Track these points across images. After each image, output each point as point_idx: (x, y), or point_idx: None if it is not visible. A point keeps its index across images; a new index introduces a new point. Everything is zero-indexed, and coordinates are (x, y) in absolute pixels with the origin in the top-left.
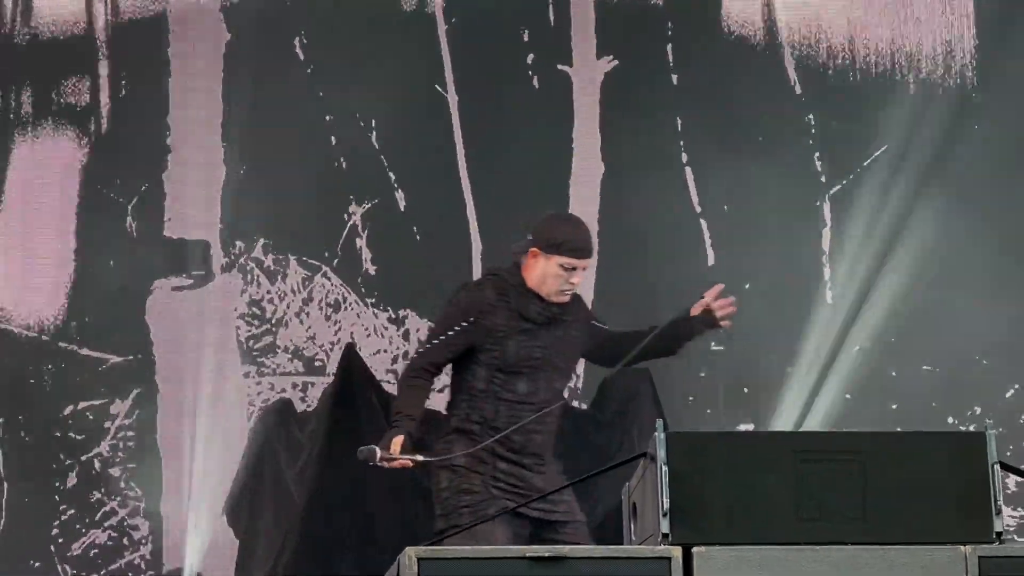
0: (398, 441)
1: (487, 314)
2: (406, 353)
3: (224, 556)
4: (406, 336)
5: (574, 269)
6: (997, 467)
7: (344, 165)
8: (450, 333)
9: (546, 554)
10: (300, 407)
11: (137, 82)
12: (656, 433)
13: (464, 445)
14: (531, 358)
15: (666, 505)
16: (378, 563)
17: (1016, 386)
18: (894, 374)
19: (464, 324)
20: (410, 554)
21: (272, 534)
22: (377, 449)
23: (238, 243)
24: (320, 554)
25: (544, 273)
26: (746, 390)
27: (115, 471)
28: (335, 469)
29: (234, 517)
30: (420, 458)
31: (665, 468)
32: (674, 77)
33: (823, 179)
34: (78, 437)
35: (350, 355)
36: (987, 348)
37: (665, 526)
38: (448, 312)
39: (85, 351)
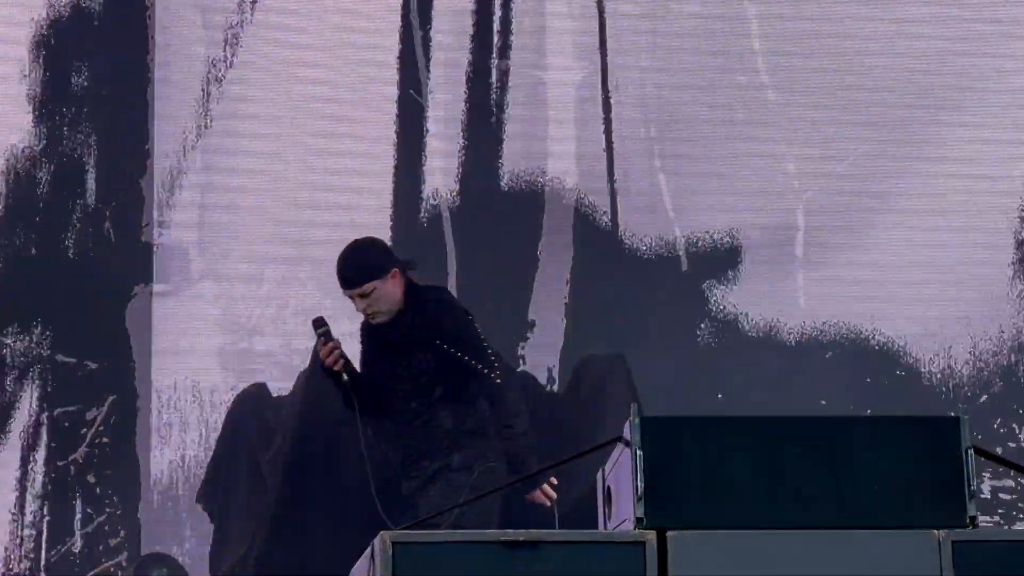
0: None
1: None
2: None
3: (199, 541)
4: None
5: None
6: (971, 451)
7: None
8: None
9: (521, 538)
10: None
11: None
12: (630, 418)
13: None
14: None
15: (640, 489)
16: (352, 547)
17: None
18: (868, 380)
19: None
20: (384, 538)
21: (246, 518)
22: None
23: (214, 249)
24: (294, 538)
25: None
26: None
27: (91, 478)
28: (309, 452)
29: (208, 501)
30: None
31: (640, 452)
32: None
33: (796, 184)
34: (53, 444)
35: (325, 335)
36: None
37: (639, 510)
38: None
39: (60, 357)
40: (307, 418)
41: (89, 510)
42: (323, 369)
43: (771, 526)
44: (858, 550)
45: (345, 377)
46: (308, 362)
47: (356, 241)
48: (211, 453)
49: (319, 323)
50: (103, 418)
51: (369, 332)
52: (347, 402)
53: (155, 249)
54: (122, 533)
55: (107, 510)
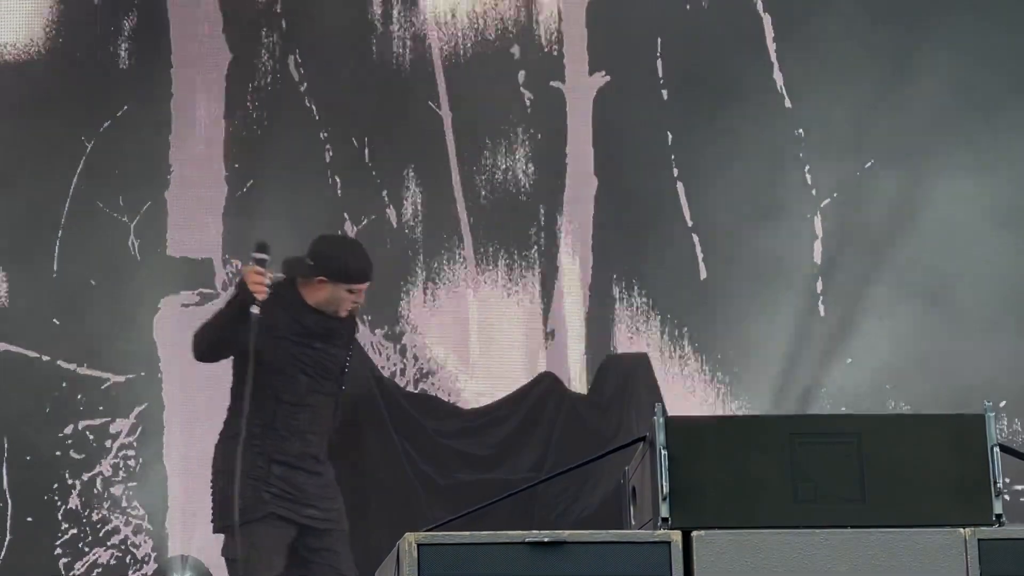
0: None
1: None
2: (403, 369)
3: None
4: (403, 352)
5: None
6: (996, 449)
7: (338, 182)
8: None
9: (545, 539)
10: None
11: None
12: (655, 417)
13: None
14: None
15: (665, 489)
16: (376, 549)
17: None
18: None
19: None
20: (409, 539)
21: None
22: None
23: (236, 262)
24: None
25: (331, 297)
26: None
27: (116, 490)
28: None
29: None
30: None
31: (664, 452)
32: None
33: (814, 192)
34: (79, 456)
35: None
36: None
37: (664, 510)
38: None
39: (85, 370)
40: None
41: (116, 521)
42: (238, 288)
43: (796, 525)
44: (883, 549)
45: (255, 309)
46: None
47: (356, 240)
48: None
49: (262, 248)
50: (128, 430)
51: (301, 314)
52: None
53: (179, 262)
54: (149, 544)
55: (134, 522)
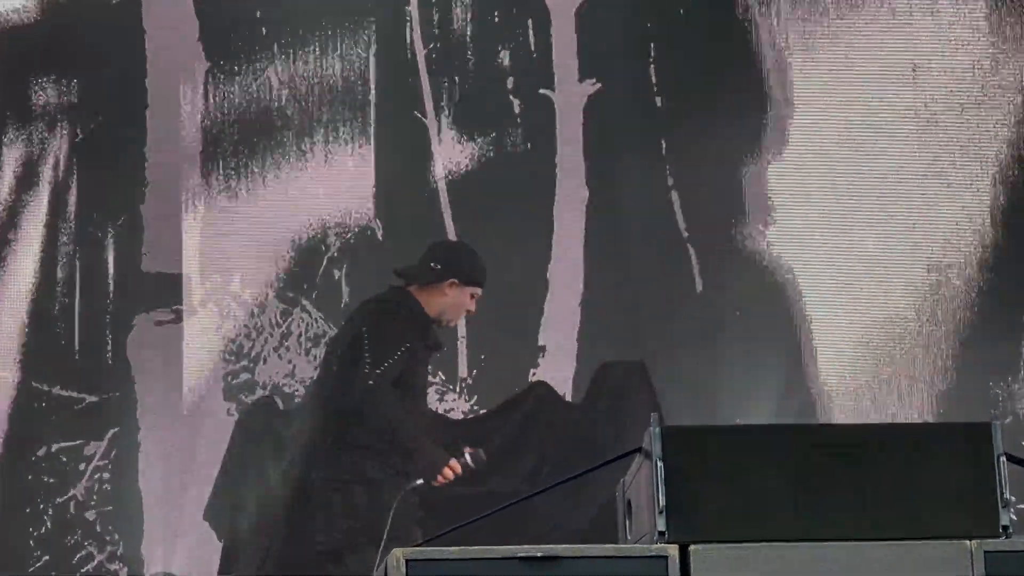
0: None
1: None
2: None
3: (206, 560)
4: None
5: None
6: (1003, 459)
7: (322, 195)
8: (402, 351)
9: (539, 554)
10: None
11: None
12: (651, 427)
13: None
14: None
15: (662, 502)
16: (366, 563)
17: None
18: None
19: (409, 344)
20: (398, 555)
21: (257, 535)
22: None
23: (215, 277)
24: (307, 555)
25: (457, 303)
26: (738, 420)
27: (90, 515)
28: (321, 467)
29: (216, 518)
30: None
31: (661, 464)
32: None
33: None
34: (51, 480)
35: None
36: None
37: (661, 524)
38: (396, 329)
39: (59, 390)
40: (318, 432)
41: (90, 547)
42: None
43: (797, 538)
44: (887, 562)
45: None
46: (317, 374)
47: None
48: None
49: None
50: (102, 452)
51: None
52: None
53: (154, 277)
54: (124, 571)
55: (108, 547)
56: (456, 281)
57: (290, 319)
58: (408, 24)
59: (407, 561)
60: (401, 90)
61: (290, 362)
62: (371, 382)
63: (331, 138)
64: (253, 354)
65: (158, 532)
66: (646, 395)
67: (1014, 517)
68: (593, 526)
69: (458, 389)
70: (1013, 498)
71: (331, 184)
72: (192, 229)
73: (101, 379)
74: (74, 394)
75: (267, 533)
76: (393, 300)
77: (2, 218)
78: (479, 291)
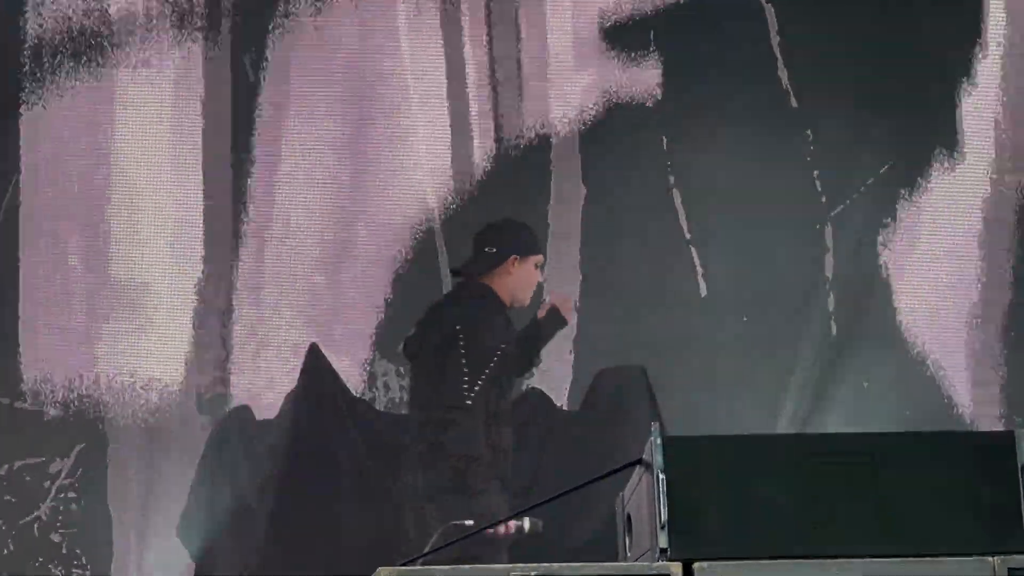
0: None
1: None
2: (372, 399)
3: None
4: (371, 382)
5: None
6: None
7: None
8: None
9: (533, 573)
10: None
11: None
12: (652, 438)
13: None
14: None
15: (664, 517)
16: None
17: None
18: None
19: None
20: (383, 574)
21: (231, 554)
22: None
23: (190, 283)
24: (287, 568)
25: (525, 278)
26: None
27: (56, 536)
28: (299, 482)
29: (188, 535)
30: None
31: (662, 476)
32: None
33: (824, 199)
34: (14, 500)
35: (315, 356)
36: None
37: (663, 540)
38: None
39: (20, 404)
40: (297, 444)
41: (56, 571)
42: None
43: (808, 555)
44: None
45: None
46: (296, 385)
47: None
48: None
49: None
50: (68, 470)
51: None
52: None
53: (123, 285)
54: None
55: (75, 571)
56: (517, 256)
57: (266, 327)
58: None
59: None
60: None
61: (267, 371)
62: (468, 402)
63: None
64: (229, 363)
65: (128, 555)
66: (647, 403)
67: None
68: (590, 543)
69: None
70: None
71: None
72: (160, 237)
73: (66, 393)
74: (37, 408)
75: (243, 552)
76: (478, 295)
77: None
78: (541, 258)
